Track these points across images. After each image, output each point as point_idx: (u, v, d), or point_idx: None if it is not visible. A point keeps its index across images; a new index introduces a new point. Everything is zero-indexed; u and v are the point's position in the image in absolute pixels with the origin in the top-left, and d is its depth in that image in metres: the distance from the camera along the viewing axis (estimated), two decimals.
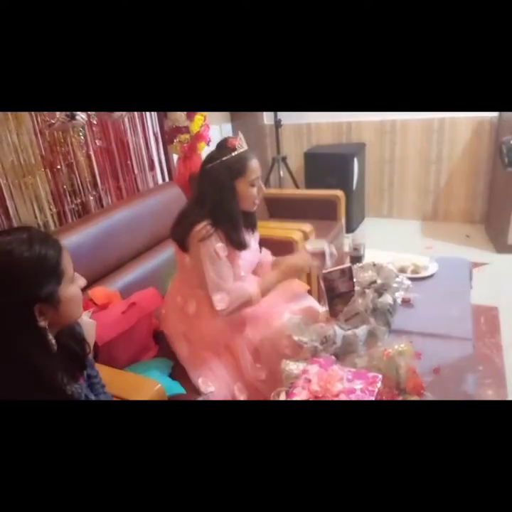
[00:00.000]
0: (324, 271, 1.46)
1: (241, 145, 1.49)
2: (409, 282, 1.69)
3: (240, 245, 1.54)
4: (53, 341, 0.86)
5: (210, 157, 1.52)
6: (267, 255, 1.81)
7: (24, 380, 0.81)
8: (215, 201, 1.48)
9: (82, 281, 0.92)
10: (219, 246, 1.47)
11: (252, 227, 1.69)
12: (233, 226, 1.51)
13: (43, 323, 0.82)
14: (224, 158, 1.47)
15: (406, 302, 1.60)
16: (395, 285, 1.53)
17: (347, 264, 1.53)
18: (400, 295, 1.55)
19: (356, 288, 1.50)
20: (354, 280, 1.49)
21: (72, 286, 0.88)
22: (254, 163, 1.51)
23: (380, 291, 1.48)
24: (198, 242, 1.46)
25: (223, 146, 1.50)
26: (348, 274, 1.47)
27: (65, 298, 0.85)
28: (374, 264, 1.66)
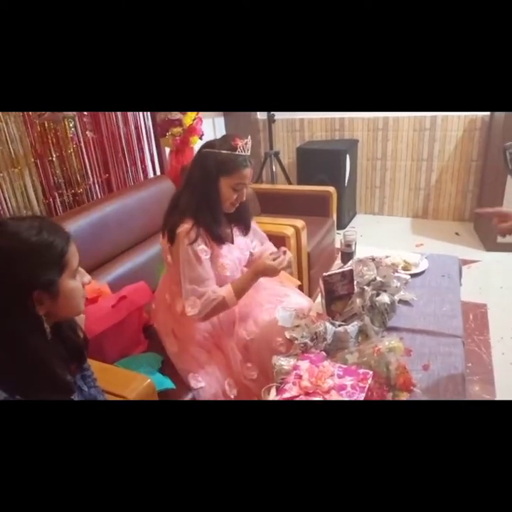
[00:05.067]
0: (325, 274, 1.45)
1: (243, 148, 1.47)
2: (408, 277, 1.70)
3: (218, 239, 1.53)
4: (48, 330, 0.86)
5: (212, 144, 1.52)
6: (269, 249, 1.77)
7: (23, 366, 0.81)
8: (200, 189, 1.48)
9: (86, 278, 0.93)
10: (200, 248, 1.46)
11: (243, 227, 1.68)
12: (213, 219, 1.50)
13: (40, 311, 0.83)
14: (221, 151, 1.47)
15: (405, 303, 1.59)
16: (394, 285, 1.53)
17: (348, 267, 1.52)
18: (399, 296, 1.55)
19: (355, 289, 1.49)
20: (355, 282, 1.48)
21: (74, 281, 0.88)
22: (245, 171, 1.48)
23: (379, 290, 1.48)
24: (180, 244, 1.45)
25: (227, 140, 1.50)
26: (348, 277, 1.45)
27: (65, 290, 0.86)
28: (373, 259, 1.66)
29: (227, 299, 1.49)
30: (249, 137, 1.51)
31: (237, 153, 1.46)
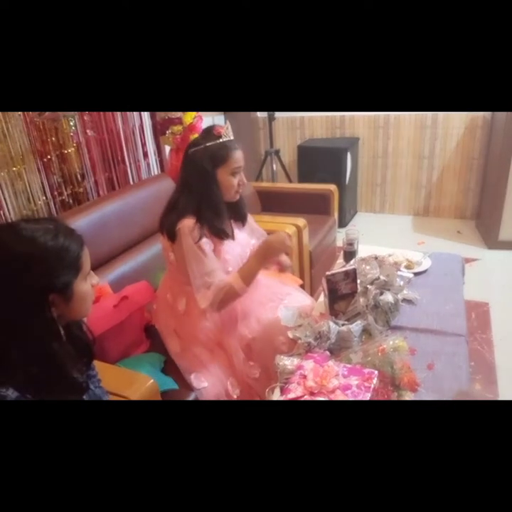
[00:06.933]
0: (328, 273, 1.44)
1: (227, 134, 1.48)
2: (411, 275, 1.69)
3: (222, 234, 1.51)
4: (62, 332, 0.88)
5: (195, 142, 1.51)
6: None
7: (39, 367, 0.82)
8: (199, 188, 1.46)
9: (95, 280, 0.94)
10: (203, 241, 1.44)
11: (240, 219, 1.66)
12: (216, 214, 1.48)
13: (54, 314, 0.84)
14: (207, 144, 1.46)
15: (409, 301, 1.58)
16: (398, 284, 1.52)
17: (351, 266, 1.51)
18: (402, 295, 1.54)
19: (359, 288, 1.48)
20: (358, 281, 1.47)
21: (86, 283, 0.90)
22: (237, 154, 1.48)
23: (382, 289, 1.47)
24: (182, 239, 1.43)
25: (209, 132, 1.49)
26: (351, 276, 1.44)
27: (78, 293, 0.87)
28: (376, 257, 1.64)
29: (236, 286, 1.45)
30: (228, 122, 1.52)
31: (222, 140, 1.46)
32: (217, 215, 1.49)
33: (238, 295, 1.48)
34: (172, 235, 1.47)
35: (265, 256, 1.50)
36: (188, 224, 1.43)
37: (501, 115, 3.11)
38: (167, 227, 1.49)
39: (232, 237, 1.60)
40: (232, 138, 1.49)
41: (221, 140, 1.46)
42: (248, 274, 1.48)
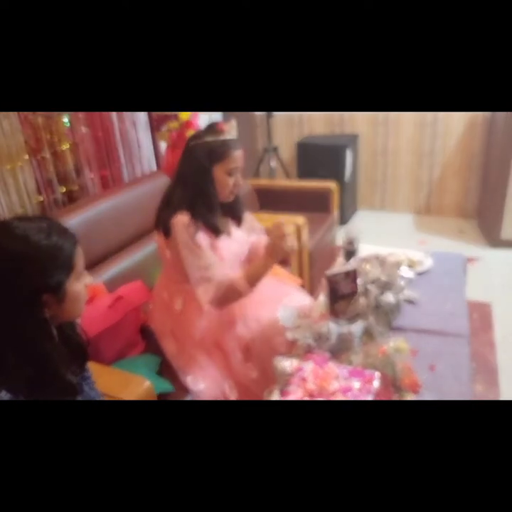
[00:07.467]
0: (328, 272, 1.41)
1: (230, 132, 1.46)
2: (412, 275, 1.66)
3: (216, 230, 1.49)
4: (55, 333, 0.87)
5: (196, 135, 1.50)
6: (263, 241, 1.71)
7: (32, 369, 0.81)
8: (194, 182, 1.44)
9: (88, 279, 0.93)
10: (200, 236, 1.43)
11: (236, 218, 1.64)
12: (209, 210, 1.46)
13: (46, 314, 0.83)
14: (208, 139, 1.44)
15: (410, 302, 1.56)
16: (399, 284, 1.49)
17: (351, 265, 1.48)
18: (403, 296, 1.51)
19: (359, 288, 1.45)
20: (358, 282, 1.45)
21: (79, 283, 0.89)
22: (237, 153, 1.46)
23: (383, 290, 1.44)
24: (177, 234, 1.41)
25: (212, 127, 1.48)
26: (352, 276, 1.42)
27: (71, 293, 0.86)
28: (377, 257, 1.62)
29: (239, 285, 1.42)
30: (233, 120, 1.49)
31: (224, 137, 1.45)
32: (211, 211, 1.47)
33: (241, 295, 1.46)
34: (167, 230, 1.45)
35: (270, 255, 1.44)
36: (182, 220, 1.41)
37: (501, 113, 3.08)
38: (162, 222, 1.47)
39: (228, 234, 1.57)
40: (234, 137, 1.47)
41: (223, 137, 1.44)
42: (253, 275, 1.45)
